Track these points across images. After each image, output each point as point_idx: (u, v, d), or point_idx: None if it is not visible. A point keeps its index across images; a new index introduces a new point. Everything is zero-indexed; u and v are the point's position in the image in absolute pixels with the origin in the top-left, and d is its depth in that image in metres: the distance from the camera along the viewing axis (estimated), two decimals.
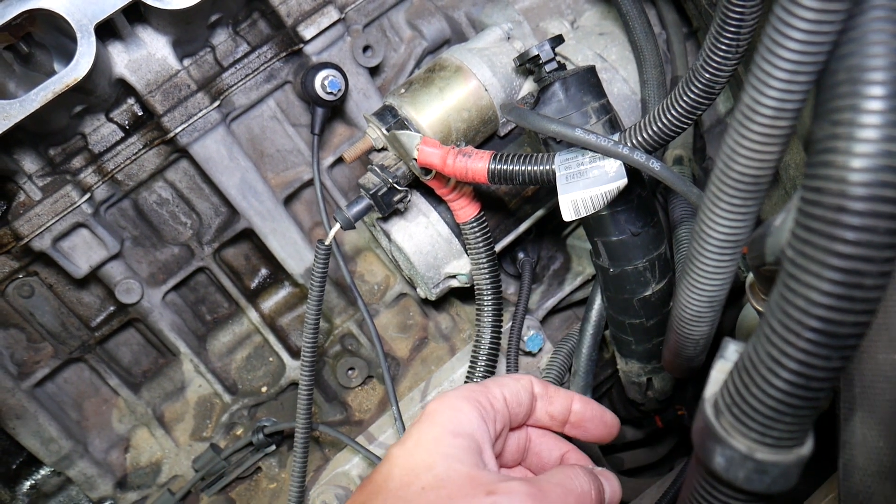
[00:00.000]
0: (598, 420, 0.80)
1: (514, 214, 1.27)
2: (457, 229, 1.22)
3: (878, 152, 0.41)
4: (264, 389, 1.43)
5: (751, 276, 0.79)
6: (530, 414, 0.78)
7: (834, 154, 0.42)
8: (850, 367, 0.61)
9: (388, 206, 1.15)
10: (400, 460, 0.68)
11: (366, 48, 1.26)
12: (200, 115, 1.20)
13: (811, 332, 0.43)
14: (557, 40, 1.10)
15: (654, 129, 0.90)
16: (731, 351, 0.55)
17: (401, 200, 1.16)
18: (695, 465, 0.54)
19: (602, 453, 1.45)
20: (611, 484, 0.75)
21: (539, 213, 1.30)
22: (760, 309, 0.78)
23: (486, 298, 1.20)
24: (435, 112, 1.13)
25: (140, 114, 1.24)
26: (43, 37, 1.10)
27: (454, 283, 1.27)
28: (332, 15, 1.22)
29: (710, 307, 0.71)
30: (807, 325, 0.44)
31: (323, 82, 1.20)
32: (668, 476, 1.42)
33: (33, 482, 1.45)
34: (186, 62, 1.21)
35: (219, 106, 1.21)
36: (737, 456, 0.49)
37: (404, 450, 0.68)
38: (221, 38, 1.24)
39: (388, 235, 1.23)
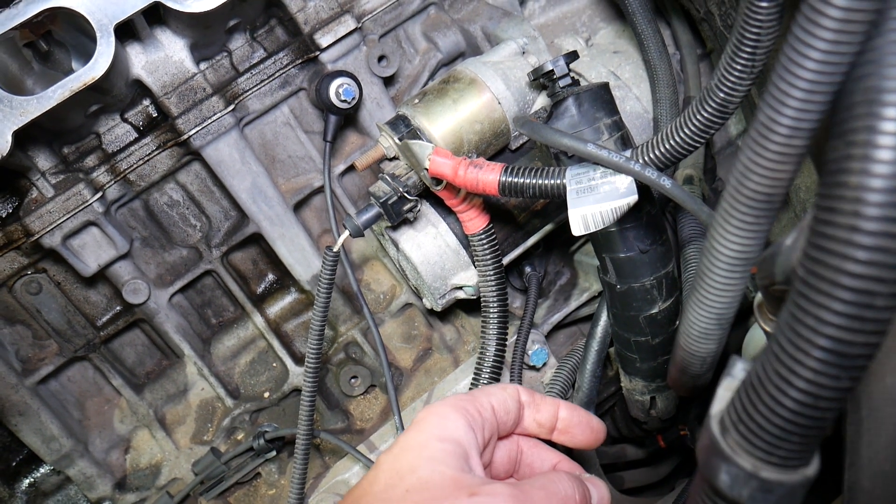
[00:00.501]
0: (585, 425, 0.81)
1: (523, 228, 1.28)
2: (465, 241, 1.22)
3: (892, 173, 0.41)
4: (267, 395, 1.43)
5: (759, 296, 0.79)
6: (518, 422, 0.79)
7: (848, 175, 0.43)
8: (857, 389, 0.61)
9: (397, 215, 1.15)
10: (386, 465, 0.69)
11: (381, 58, 1.27)
12: (214, 118, 1.21)
13: (821, 351, 0.43)
14: (572, 56, 1.10)
15: (666, 146, 0.90)
16: (739, 369, 0.55)
17: (410, 210, 1.16)
18: (699, 483, 0.54)
19: (604, 472, 1.44)
20: (599, 491, 0.75)
21: (548, 227, 1.30)
22: (768, 329, 0.78)
23: (491, 311, 1.20)
24: (447, 123, 1.14)
25: (155, 115, 1.25)
26: (63, 35, 1.11)
27: (460, 295, 1.27)
28: (348, 24, 1.23)
29: (718, 324, 0.71)
30: (816, 345, 0.43)
31: (337, 90, 1.21)
32: (670, 496, 1.41)
33: (32, 480, 1.44)
34: (203, 66, 1.22)
35: (233, 110, 1.22)
36: (742, 474, 0.49)
37: (391, 455, 0.70)
38: (238, 43, 1.25)
39: (396, 244, 1.24)
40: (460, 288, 1.26)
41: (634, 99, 1.31)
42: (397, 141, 1.13)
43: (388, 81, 1.33)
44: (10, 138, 1.01)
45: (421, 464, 0.66)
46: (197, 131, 1.21)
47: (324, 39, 1.22)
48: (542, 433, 0.80)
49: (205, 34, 1.18)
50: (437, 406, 0.72)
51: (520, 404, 0.78)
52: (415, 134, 1.14)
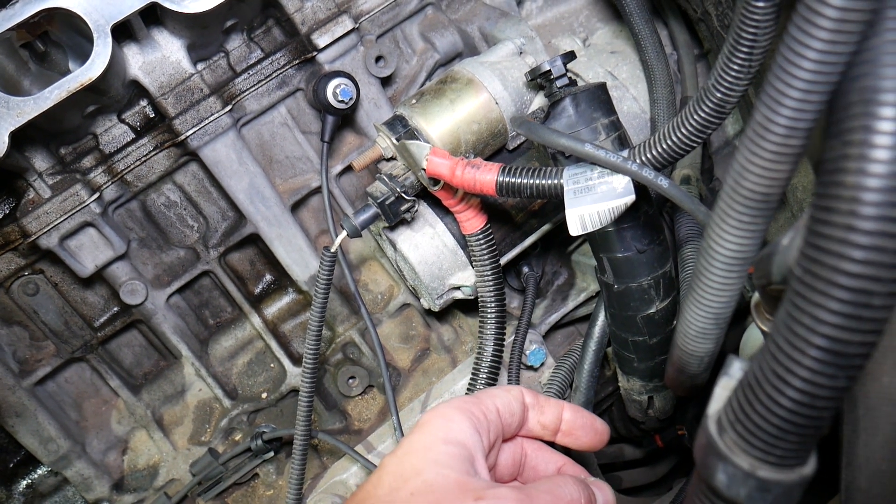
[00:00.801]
0: (589, 427, 0.81)
1: (521, 228, 1.28)
2: (463, 241, 1.22)
3: (889, 173, 0.41)
4: (264, 395, 1.43)
5: (756, 296, 0.79)
6: (522, 424, 0.78)
7: (845, 174, 0.43)
8: (854, 388, 0.61)
9: (394, 216, 1.15)
10: (391, 467, 0.68)
11: (378, 58, 1.27)
12: (212, 118, 1.21)
13: (818, 350, 0.43)
14: (569, 56, 1.10)
15: (664, 146, 0.90)
16: (736, 368, 0.55)
17: (408, 210, 1.16)
18: (696, 482, 0.54)
19: (602, 472, 1.44)
20: (604, 494, 0.75)
21: (545, 227, 1.30)
22: (765, 329, 0.78)
23: (489, 311, 1.20)
24: (445, 123, 1.14)
25: (152, 116, 1.25)
26: (59, 36, 1.11)
27: (458, 295, 1.27)
28: (346, 24, 1.23)
29: (715, 324, 0.71)
30: (813, 344, 0.43)
31: (335, 90, 1.21)
32: (667, 496, 1.41)
33: (30, 481, 1.44)
34: (200, 66, 1.22)
35: (230, 111, 1.22)
36: (739, 473, 0.49)
37: (395, 457, 0.69)
38: (236, 43, 1.25)
39: (393, 245, 1.24)
40: (458, 288, 1.26)
41: (632, 99, 1.32)
42: (395, 141, 1.13)
43: (386, 82, 1.33)
44: (6, 139, 1.01)
45: (426, 467, 0.66)
46: (194, 132, 1.21)
47: (321, 40, 1.22)
48: (546, 435, 0.80)
49: (202, 34, 1.18)
50: (442, 408, 0.72)
51: (524, 406, 0.77)
52: (412, 134, 1.14)
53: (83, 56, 1.03)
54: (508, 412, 0.75)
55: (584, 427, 0.80)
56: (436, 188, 1.11)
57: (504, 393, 0.77)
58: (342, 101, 1.22)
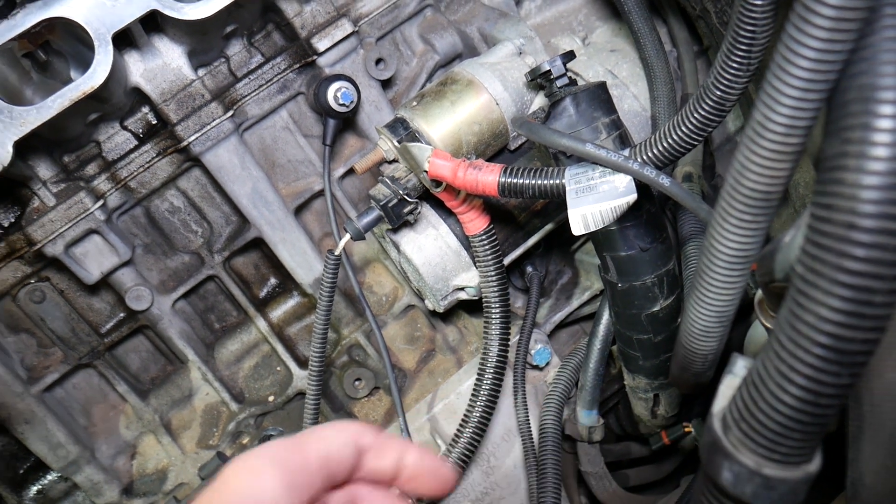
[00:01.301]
0: (433, 474, 0.70)
1: (524, 228, 1.28)
2: (466, 242, 1.22)
3: (888, 170, 0.41)
4: (271, 399, 1.44)
5: (759, 292, 0.80)
6: (356, 469, 0.68)
7: (845, 172, 0.43)
8: (858, 385, 0.61)
9: (398, 218, 1.15)
10: None
11: (378, 61, 1.27)
12: (214, 124, 1.21)
13: (821, 347, 0.44)
14: (569, 56, 1.10)
15: (665, 145, 0.90)
16: (740, 366, 0.55)
17: (411, 212, 1.16)
18: (703, 480, 0.54)
19: (609, 469, 1.44)
20: None
21: (548, 227, 1.30)
22: (769, 326, 0.78)
23: (494, 311, 1.20)
24: (446, 125, 1.14)
25: (154, 122, 1.25)
26: (61, 45, 1.11)
27: (462, 296, 1.27)
28: (345, 28, 1.23)
29: (718, 322, 0.71)
30: (816, 341, 0.44)
31: (335, 94, 1.21)
32: (674, 493, 1.41)
33: (40, 487, 1.45)
34: (201, 72, 1.23)
35: (232, 116, 1.22)
36: (744, 471, 0.49)
37: None
38: (236, 48, 1.25)
39: (397, 247, 1.24)
40: (462, 289, 1.26)
41: (632, 97, 1.32)
42: (396, 144, 1.13)
43: (386, 84, 1.33)
44: (10, 149, 1.01)
45: None
46: (196, 137, 1.21)
47: (321, 44, 1.23)
48: (384, 480, 0.70)
49: (202, 41, 1.19)
50: (250, 460, 0.60)
51: (358, 450, 0.67)
52: (413, 136, 1.14)
53: (85, 64, 1.03)
54: (336, 459, 0.65)
55: (425, 474, 0.70)
56: (438, 190, 1.11)
57: (335, 435, 0.66)
58: (343, 105, 1.22)
